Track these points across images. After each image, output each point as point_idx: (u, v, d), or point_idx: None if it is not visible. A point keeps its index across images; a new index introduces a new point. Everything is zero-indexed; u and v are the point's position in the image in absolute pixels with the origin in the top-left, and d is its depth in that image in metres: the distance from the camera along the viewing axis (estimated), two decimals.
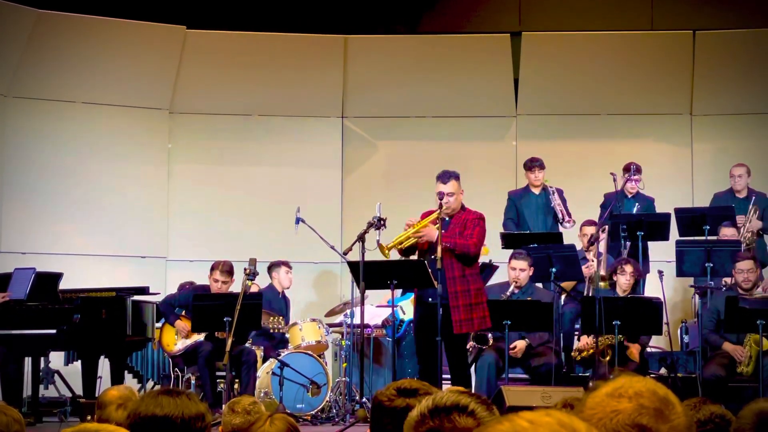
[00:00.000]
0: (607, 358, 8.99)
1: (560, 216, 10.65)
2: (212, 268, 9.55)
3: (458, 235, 8.13)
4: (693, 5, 12.36)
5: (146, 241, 12.12)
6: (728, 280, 9.58)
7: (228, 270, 9.48)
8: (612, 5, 12.45)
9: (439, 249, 7.95)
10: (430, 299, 8.14)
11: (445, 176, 8.24)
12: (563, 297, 9.96)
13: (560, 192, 10.84)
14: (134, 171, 12.14)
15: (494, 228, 10.65)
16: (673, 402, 1.93)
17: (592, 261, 10.01)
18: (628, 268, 9.40)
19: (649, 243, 10.39)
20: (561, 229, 10.63)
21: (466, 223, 8.19)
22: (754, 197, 10.76)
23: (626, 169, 10.71)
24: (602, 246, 10.10)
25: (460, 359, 8.29)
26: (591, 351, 9.24)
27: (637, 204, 10.70)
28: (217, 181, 12.40)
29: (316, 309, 11.19)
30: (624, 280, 9.40)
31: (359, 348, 9.27)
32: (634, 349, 9.18)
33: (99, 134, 12.03)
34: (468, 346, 9.61)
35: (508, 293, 9.18)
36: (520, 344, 9.12)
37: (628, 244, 10.17)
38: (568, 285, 10.02)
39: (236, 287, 9.11)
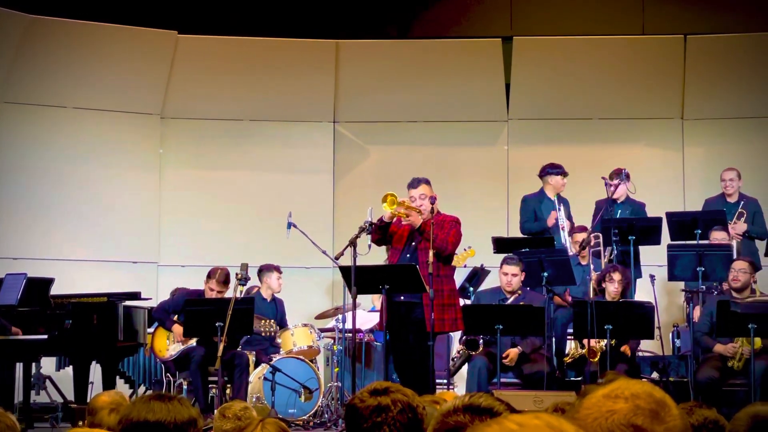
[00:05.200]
0: (596, 358, 8.95)
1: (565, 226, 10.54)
2: (208, 276, 9.51)
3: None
4: (684, 10, 12.37)
5: (138, 247, 12.10)
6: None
7: (224, 280, 9.42)
8: (603, 10, 12.46)
9: (431, 254, 8.01)
10: (402, 297, 8.19)
11: (414, 182, 8.44)
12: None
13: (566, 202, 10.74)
14: (126, 176, 12.12)
15: (490, 232, 10.64)
16: (669, 405, 1.94)
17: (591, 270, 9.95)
18: (616, 276, 9.25)
19: (640, 247, 10.35)
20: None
21: (443, 224, 8.26)
22: (743, 201, 10.75)
23: (617, 173, 10.51)
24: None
25: (423, 359, 8.13)
26: (581, 352, 9.21)
27: (619, 210, 10.60)
28: (209, 186, 12.38)
29: (307, 314, 11.17)
30: (612, 288, 9.25)
31: (351, 353, 9.25)
32: (626, 348, 9.15)
33: (90, 139, 12.01)
34: (457, 350, 9.58)
35: (509, 301, 9.12)
36: (513, 353, 9.05)
37: (612, 249, 10.02)
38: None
39: (230, 293, 9.09)
